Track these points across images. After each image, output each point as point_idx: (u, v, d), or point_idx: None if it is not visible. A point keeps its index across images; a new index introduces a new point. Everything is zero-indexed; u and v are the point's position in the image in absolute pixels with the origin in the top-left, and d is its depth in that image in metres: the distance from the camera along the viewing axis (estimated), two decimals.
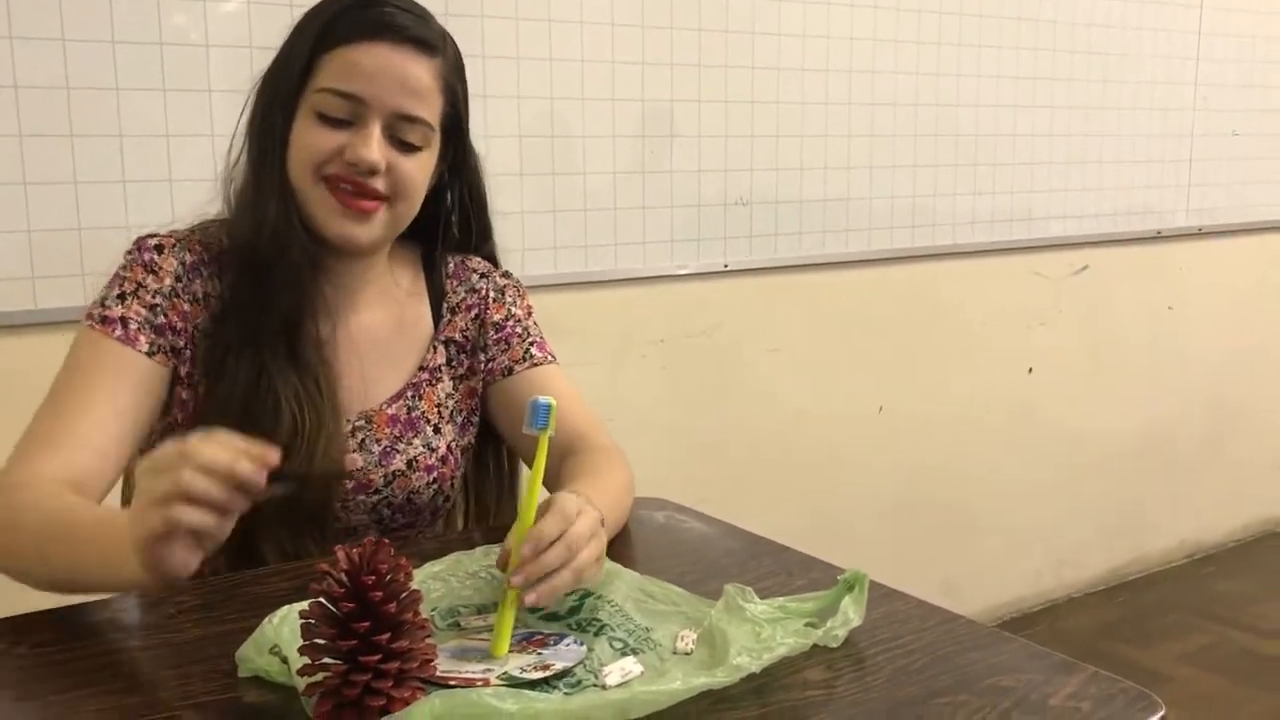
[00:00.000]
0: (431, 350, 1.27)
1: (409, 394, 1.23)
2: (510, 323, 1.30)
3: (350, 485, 1.17)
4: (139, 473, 0.87)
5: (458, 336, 1.29)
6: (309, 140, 1.12)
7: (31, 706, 0.82)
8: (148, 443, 1.18)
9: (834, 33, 2.46)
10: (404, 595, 0.77)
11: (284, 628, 0.83)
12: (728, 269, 2.40)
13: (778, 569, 1.08)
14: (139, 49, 1.70)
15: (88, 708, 0.80)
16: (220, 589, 1.03)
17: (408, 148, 1.15)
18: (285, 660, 0.81)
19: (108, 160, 1.70)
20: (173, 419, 1.15)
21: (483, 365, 1.29)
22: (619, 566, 1.01)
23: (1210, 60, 3.21)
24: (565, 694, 0.81)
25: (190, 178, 1.73)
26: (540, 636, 0.91)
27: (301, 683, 0.77)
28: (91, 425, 1.07)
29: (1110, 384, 3.23)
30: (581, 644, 0.89)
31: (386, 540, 0.78)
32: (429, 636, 0.79)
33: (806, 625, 0.91)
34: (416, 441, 1.22)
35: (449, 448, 1.25)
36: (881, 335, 2.71)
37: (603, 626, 0.93)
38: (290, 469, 1.10)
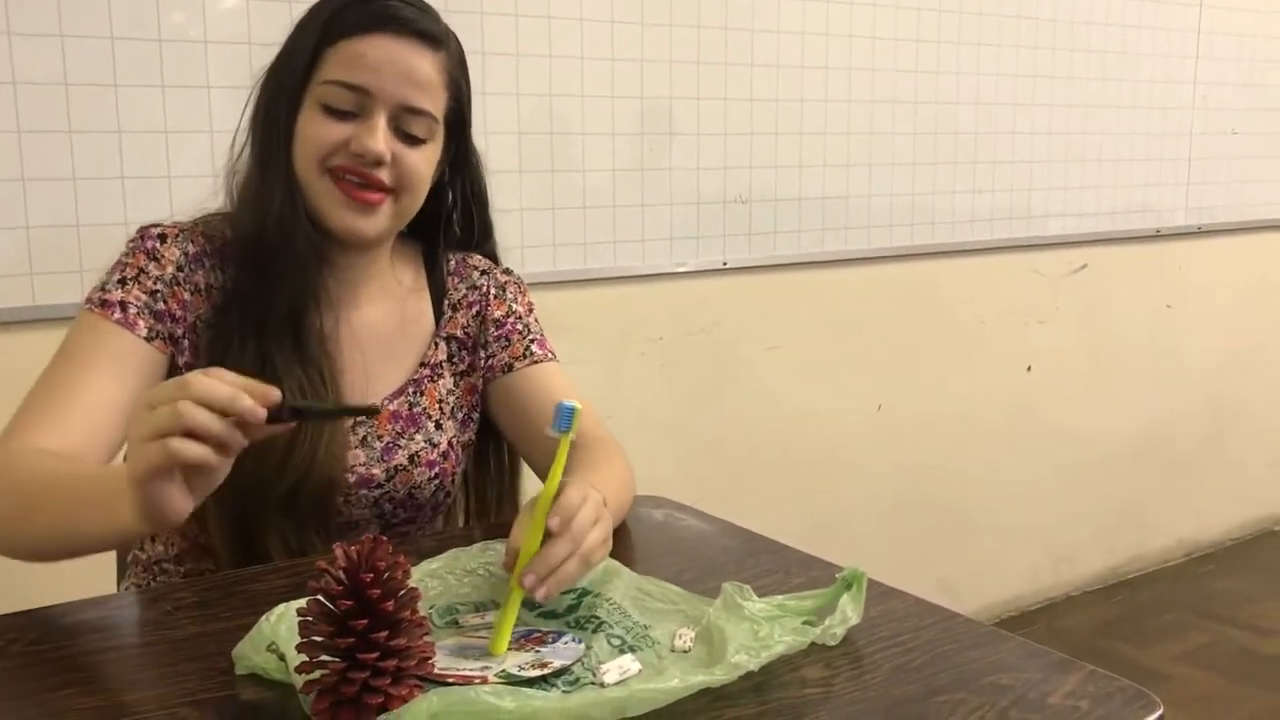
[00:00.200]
0: (433, 347, 1.27)
1: (410, 390, 1.24)
2: (511, 319, 1.30)
3: (352, 480, 1.18)
4: (133, 408, 0.85)
5: (459, 333, 1.29)
6: (314, 132, 1.13)
7: (27, 704, 0.82)
8: None
9: (833, 30, 2.45)
10: (402, 593, 0.77)
11: (281, 625, 0.83)
12: (727, 267, 2.40)
13: (776, 567, 1.08)
14: (138, 45, 1.70)
15: (84, 705, 0.80)
16: (217, 586, 1.03)
17: (412, 140, 1.15)
18: (283, 658, 0.81)
19: (106, 156, 1.69)
20: None
21: (483, 362, 1.29)
22: (618, 564, 1.01)
23: (1209, 59, 3.21)
24: (563, 692, 0.81)
25: (189, 174, 1.73)
26: (538, 634, 0.91)
27: (299, 680, 0.77)
28: (86, 405, 1.07)
29: (1109, 383, 3.23)
30: (580, 642, 0.89)
31: (385, 538, 0.78)
32: (427, 634, 0.79)
33: (805, 623, 0.91)
34: (418, 437, 1.22)
35: (450, 443, 1.25)
36: (880, 333, 2.71)
37: (601, 624, 0.93)
38: (292, 464, 1.11)
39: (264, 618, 0.84)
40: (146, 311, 1.12)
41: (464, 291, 1.30)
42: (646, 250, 2.28)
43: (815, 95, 2.45)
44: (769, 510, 1.88)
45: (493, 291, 1.31)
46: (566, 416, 0.94)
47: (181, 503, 0.85)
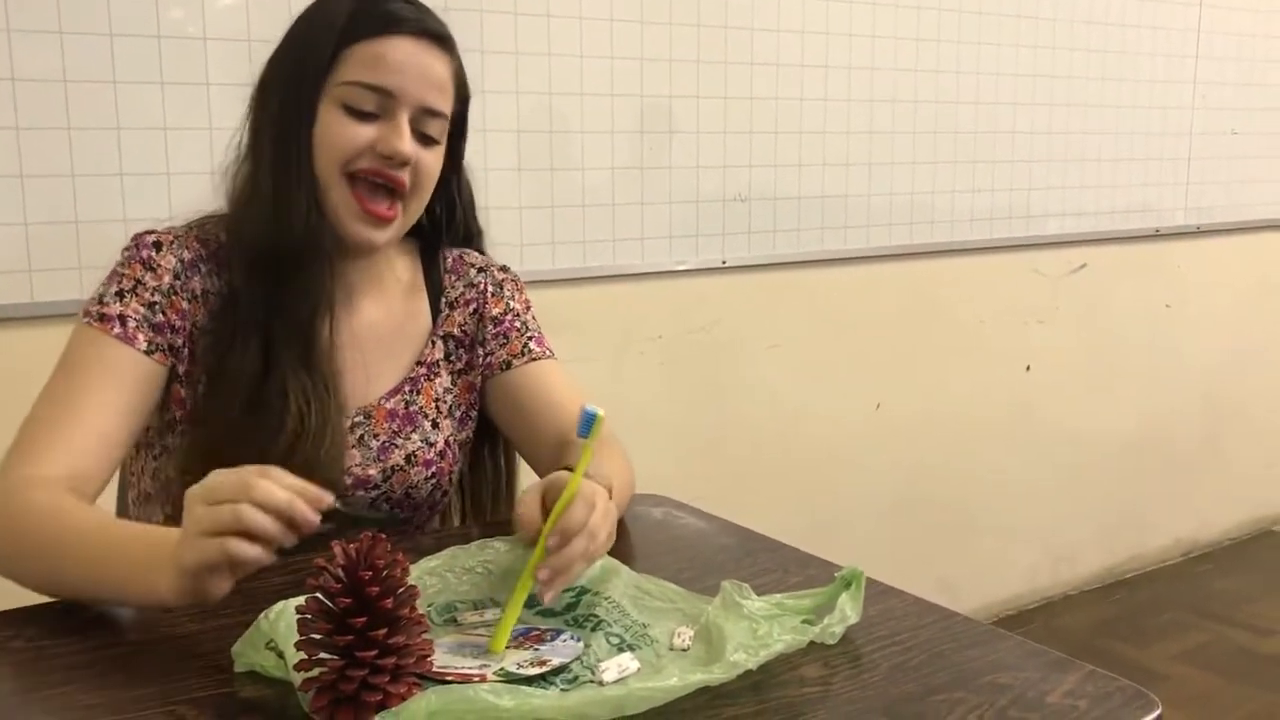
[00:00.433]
0: (429, 345, 1.27)
1: (407, 389, 1.23)
2: (509, 317, 1.30)
3: (349, 481, 1.17)
4: (190, 499, 0.87)
5: (456, 331, 1.28)
6: (339, 133, 1.12)
7: (27, 700, 0.82)
8: (144, 440, 1.18)
9: (833, 29, 2.45)
10: (401, 591, 0.77)
11: (280, 623, 0.83)
12: (726, 265, 2.40)
13: (774, 566, 1.08)
14: (137, 42, 1.70)
15: (84, 702, 0.80)
16: None
17: (428, 141, 1.16)
18: (281, 655, 0.81)
19: (105, 153, 1.69)
20: (171, 417, 1.15)
21: (481, 360, 1.29)
22: (616, 563, 1.01)
23: (1209, 58, 3.21)
24: (562, 690, 0.81)
25: (188, 171, 1.73)
26: (537, 632, 0.91)
27: (298, 678, 0.77)
28: (90, 424, 1.07)
29: (1108, 382, 3.23)
30: (578, 640, 0.89)
31: (383, 535, 0.78)
32: (425, 632, 0.79)
33: (803, 622, 0.91)
34: (415, 436, 1.22)
35: (447, 442, 1.25)
36: (880, 332, 2.71)
37: (600, 623, 0.93)
38: (293, 468, 1.10)
39: (262, 615, 0.84)
40: (145, 324, 1.11)
41: (461, 289, 1.30)
42: (646, 249, 2.28)
43: (815, 94, 2.45)
44: (768, 509, 1.88)
45: (490, 289, 1.31)
46: (588, 422, 0.94)
47: (223, 588, 0.87)
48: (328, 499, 0.87)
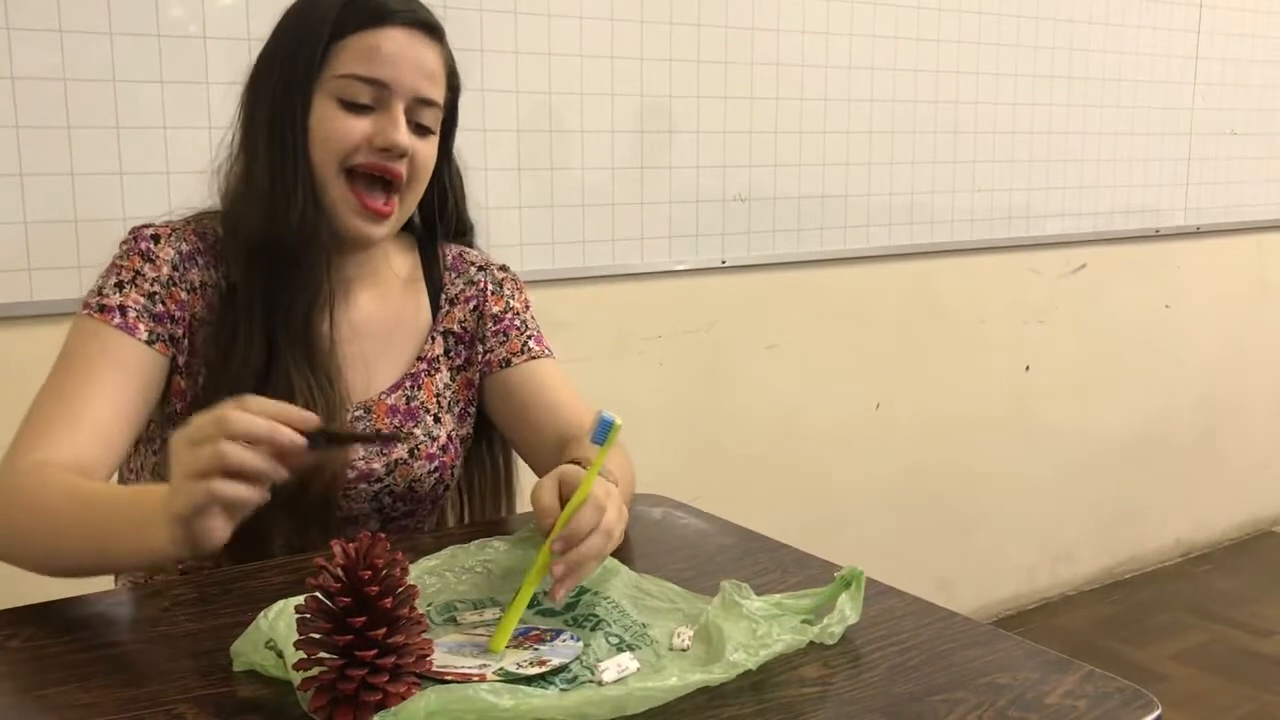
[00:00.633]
0: (429, 341, 1.27)
1: (408, 384, 1.24)
2: (509, 315, 1.30)
3: (353, 475, 1.18)
4: (174, 444, 0.87)
5: (455, 328, 1.29)
6: (335, 127, 1.12)
7: (25, 700, 0.82)
8: (144, 435, 1.18)
9: (833, 29, 2.45)
10: (400, 590, 0.77)
11: (279, 622, 0.83)
12: (725, 265, 2.40)
13: (774, 565, 1.08)
14: (137, 41, 1.70)
15: (82, 701, 0.80)
16: (215, 583, 1.03)
17: (423, 131, 1.16)
18: (280, 655, 0.81)
19: (105, 152, 1.69)
20: (172, 410, 1.15)
21: (481, 357, 1.29)
22: (616, 563, 1.01)
23: (1209, 59, 3.21)
24: (562, 690, 0.81)
25: (188, 170, 1.73)
26: (537, 632, 0.91)
27: (297, 677, 0.77)
28: (93, 414, 1.07)
29: (1107, 382, 3.23)
30: (578, 640, 0.89)
31: (383, 535, 0.78)
32: (425, 631, 0.79)
33: (803, 622, 0.91)
34: (418, 430, 1.22)
35: (449, 437, 1.25)
36: (879, 332, 2.71)
37: (599, 622, 0.93)
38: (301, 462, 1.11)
39: (262, 614, 0.84)
40: (146, 314, 1.11)
41: (461, 287, 1.30)
42: (645, 248, 2.28)
43: (815, 94, 2.45)
44: (767, 508, 1.88)
45: (490, 287, 1.31)
46: (605, 429, 0.93)
47: (221, 533, 0.87)
48: (310, 418, 0.87)
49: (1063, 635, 2.96)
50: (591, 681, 0.82)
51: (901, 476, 2.82)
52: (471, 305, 1.30)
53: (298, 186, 1.12)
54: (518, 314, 1.31)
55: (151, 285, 1.13)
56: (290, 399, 1.11)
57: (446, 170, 1.28)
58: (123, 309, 1.11)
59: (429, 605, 0.95)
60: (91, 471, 1.05)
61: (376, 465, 1.19)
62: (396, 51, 1.12)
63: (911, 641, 0.91)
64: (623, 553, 1.07)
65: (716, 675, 0.81)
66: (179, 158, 1.74)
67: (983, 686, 0.84)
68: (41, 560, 1.00)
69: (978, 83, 2.73)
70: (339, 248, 1.18)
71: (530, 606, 0.95)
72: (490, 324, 1.30)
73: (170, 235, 1.16)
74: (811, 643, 0.89)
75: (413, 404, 1.23)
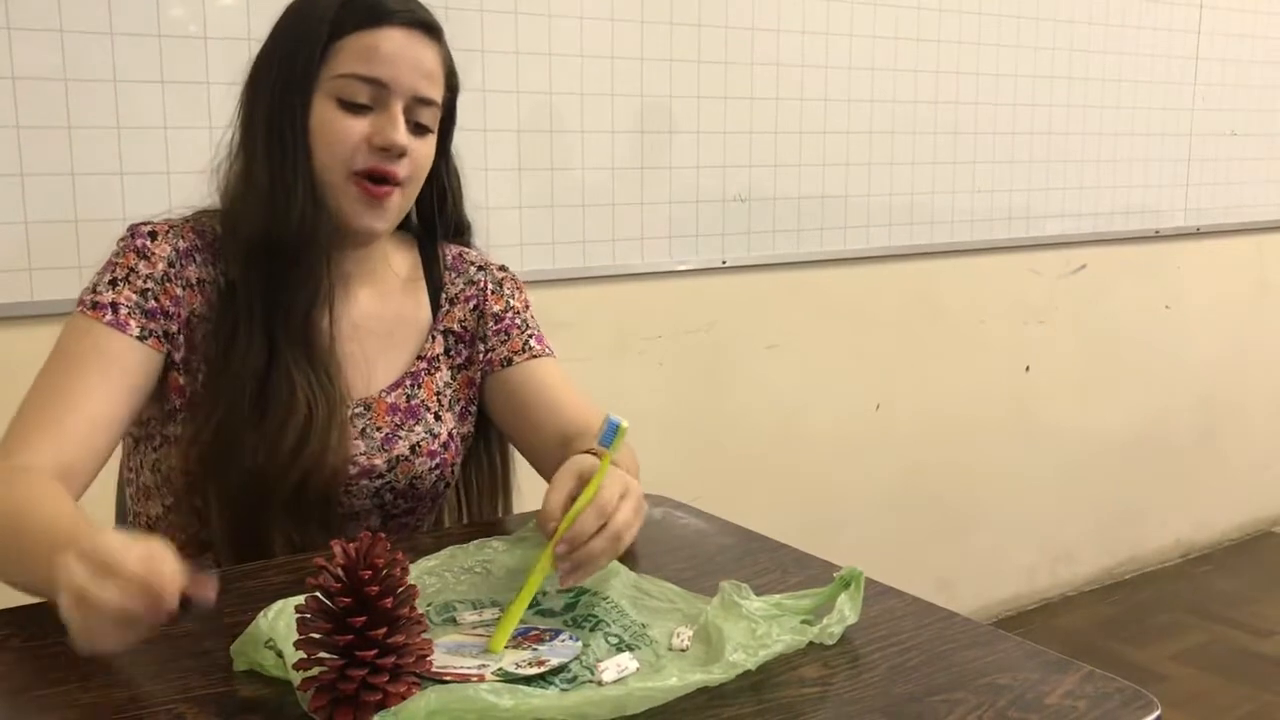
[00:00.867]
0: (430, 340, 1.27)
1: (408, 383, 1.24)
2: (509, 314, 1.31)
3: (354, 471, 1.18)
4: (76, 558, 0.79)
5: (455, 327, 1.29)
6: (336, 129, 1.12)
7: (25, 699, 0.82)
8: (144, 433, 1.18)
9: (834, 29, 2.45)
10: (400, 590, 0.77)
11: (279, 622, 0.83)
12: (726, 265, 2.40)
13: (774, 566, 1.08)
14: (137, 41, 1.70)
15: (82, 700, 0.80)
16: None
17: (421, 130, 1.17)
18: (280, 654, 0.81)
19: (105, 152, 1.69)
20: (171, 406, 1.15)
21: (482, 356, 1.29)
22: (616, 563, 1.00)
23: (1209, 60, 3.21)
24: (561, 690, 0.81)
25: (188, 170, 1.73)
26: (536, 632, 0.91)
27: (297, 677, 0.77)
28: (80, 410, 1.07)
29: (1107, 383, 3.23)
30: (577, 640, 0.89)
31: (383, 535, 0.78)
32: (425, 632, 0.79)
33: (802, 622, 0.91)
34: (418, 428, 1.23)
35: (450, 434, 1.26)
36: (879, 333, 2.71)
37: (599, 623, 0.93)
38: (303, 460, 1.11)
39: (261, 614, 0.84)
40: (138, 311, 1.11)
41: (461, 286, 1.30)
42: (645, 249, 2.28)
43: (815, 94, 2.45)
44: (767, 509, 1.88)
45: (490, 287, 1.31)
46: (611, 432, 0.95)
47: (116, 642, 0.81)
48: (172, 605, 0.79)
49: (1063, 636, 2.96)
50: (591, 681, 0.82)
51: (901, 477, 2.82)
52: (472, 305, 1.30)
53: (297, 186, 1.12)
54: (518, 313, 1.32)
55: (145, 282, 1.13)
56: (293, 398, 1.11)
57: (444, 170, 1.28)
58: (114, 306, 1.11)
59: (428, 605, 0.95)
60: (76, 471, 1.05)
61: (378, 461, 1.20)
62: (395, 51, 1.13)
63: (911, 642, 0.91)
64: (623, 553, 1.07)
65: (716, 675, 0.81)
66: (179, 158, 1.74)
67: (983, 687, 0.84)
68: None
69: (978, 83, 2.73)
70: (339, 245, 1.18)
71: (529, 607, 0.95)
72: (491, 323, 1.30)
73: (168, 232, 1.16)
74: (811, 643, 0.89)
75: (413, 402, 1.24)
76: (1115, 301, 3.19)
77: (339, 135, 1.12)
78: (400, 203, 1.18)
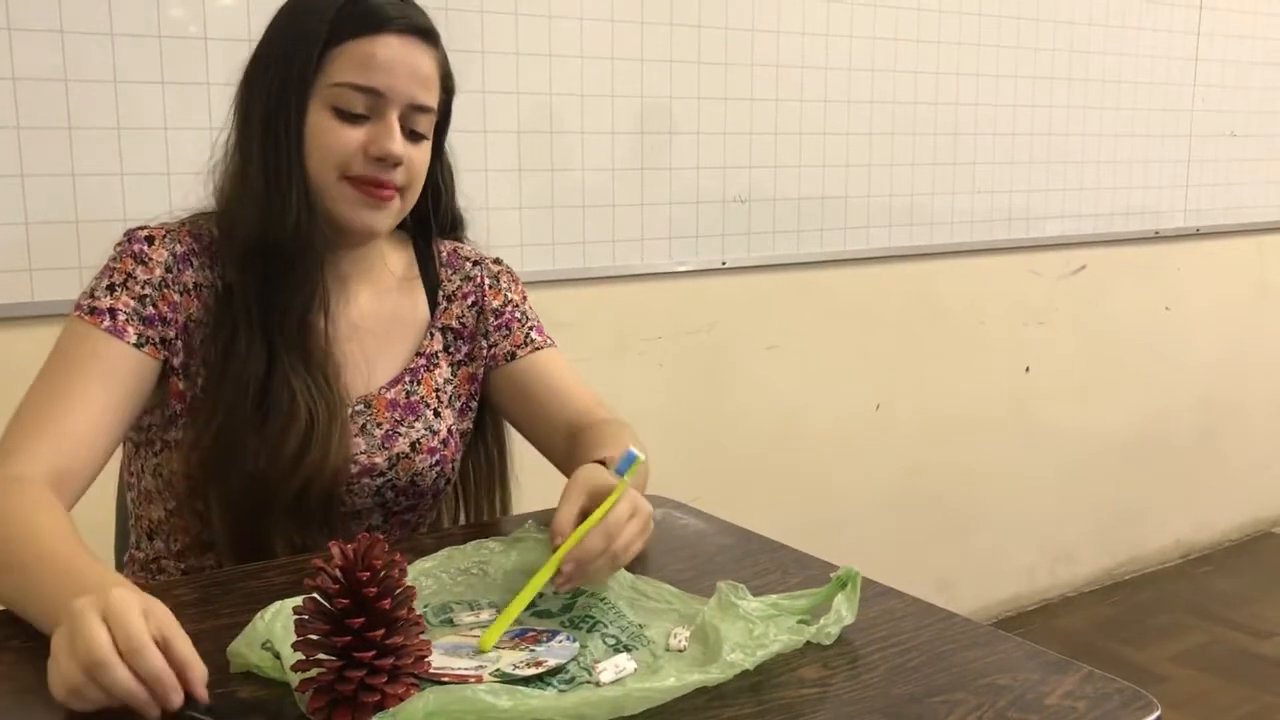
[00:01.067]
0: (428, 337, 1.27)
1: (407, 380, 1.24)
2: (509, 309, 1.32)
3: (355, 470, 1.18)
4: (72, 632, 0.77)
5: (454, 324, 1.29)
6: (332, 139, 1.12)
7: (25, 701, 0.82)
8: (144, 438, 1.18)
9: (833, 30, 2.45)
10: (398, 591, 0.77)
11: (276, 623, 0.83)
12: (725, 266, 2.40)
13: (773, 566, 1.08)
14: (137, 41, 1.70)
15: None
16: (216, 583, 1.03)
17: (416, 137, 1.16)
18: (278, 656, 0.81)
19: (106, 153, 1.69)
20: (172, 412, 1.15)
21: (485, 351, 1.30)
22: None
23: (1208, 61, 3.21)
24: (559, 690, 0.81)
25: (188, 171, 1.72)
26: (533, 633, 0.91)
27: (295, 678, 0.77)
28: (77, 416, 1.07)
29: (1107, 384, 3.23)
30: (575, 641, 0.89)
31: (381, 536, 0.78)
32: (423, 633, 0.79)
33: (800, 622, 0.91)
34: (418, 425, 1.23)
35: (450, 431, 1.26)
36: (879, 333, 2.71)
37: (596, 623, 0.93)
38: (307, 463, 1.11)
39: (259, 615, 0.84)
40: (135, 318, 1.11)
41: (458, 283, 1.31)
42: (645, 249, 2.28)
43: (815, 95, 2.45)
44: (767, 509, 1.88)
45: (487, 282, 1.32)
46: (628, 462, 1.02)
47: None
48: (176, 700, 0.77)
49: (1062, 636, 2.96)
50: (589, 682, 0.82)
51: (901, 477, 2.82)
52: (470, 301, 1.30)
53: (292, 192, 1.12)
54: (517, 306, 1.32)
55: (143, 288, 1.12)
56: (295, 405, 1.11)
57: (439, 169, 1.28)
58: (112, 312, 1.11)
59: (425, 607, 0.95)
60: (72, 477, 1.05)
61: (379, 459, 1.20)
62: (392, 59, 1.12)
63: (911, 642, 0.91)
64: None
65: (714, 675, 0.81)
66: (180, 158, 1.74)
67: (982, 687, 0.84)
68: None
69: (978, 84, 2.73)
70: (335, 246, 1.18)
71: (527, 608, 0.95)
72: (491, 319, 1.30)
73: (164, 237, 1.15)
74: (810, 644, 0.89)
75: (412, 399, 1.24)
76: (1115, 302, 3.19)
77: (335, 144, 1.12)
78: (400, 206, 1.18)
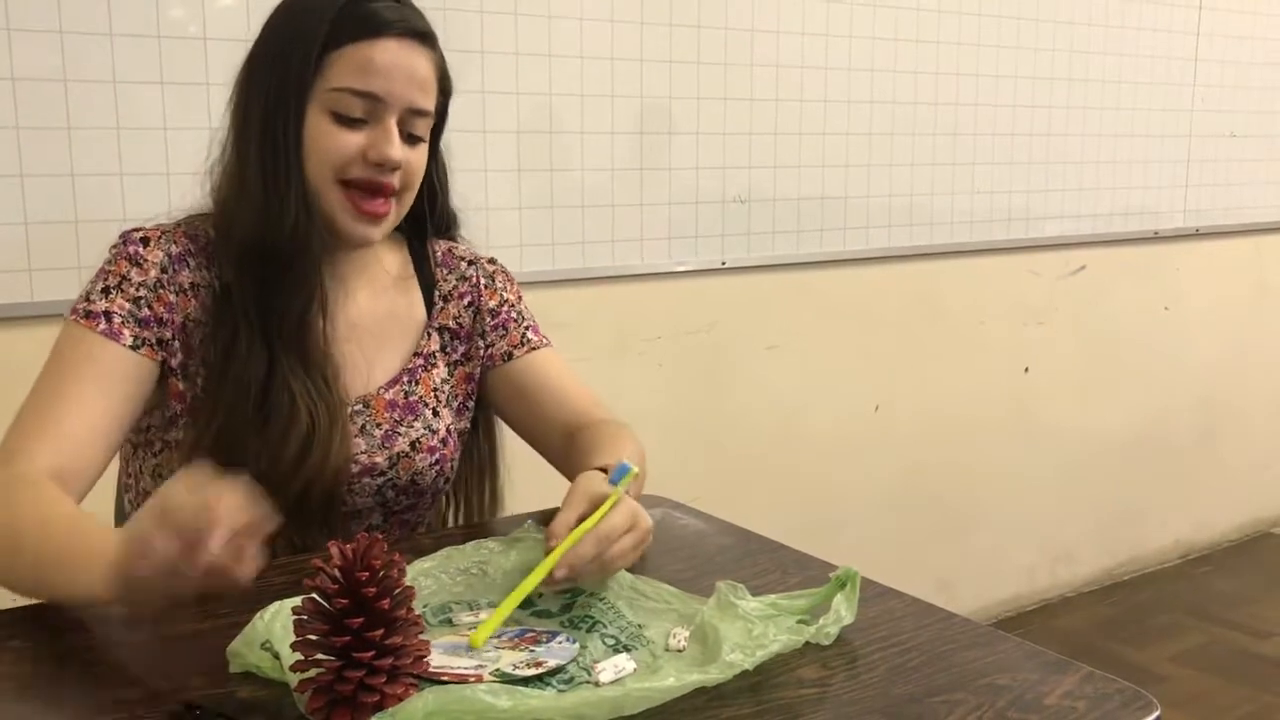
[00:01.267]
0: (426, 337, 1.28)
1: (405, 379, 1.24)
2: (505, 308, 1.32)
3: (356, 469, 1.18)
4: (156, 510, 0.83)
5: (451, 324, 1.30)
6: (330, 143, 1.12)
7: (24, 699, 0.82)
8: (143, 439, 1.18)
9: (833, 31, 2.45)
10: (397, 591, 0.77)
11: (275, 623, 0.83)
12: (725, 266, 2.40)
13: (773, 566, 1.08)
14: (137, 42, 1.70)
15: (80, 701, 0.80)
16: None
17: (414, 140, 1.16)
18: (277, 656, 0.81)
19: (105, 153, 1.69)
20: (172, 413, 1.15)
21: (482, 351, 1.30)
22: None
23: (1208, 61, 3.21)
24: (559, 691, 0.81)
25: (188, 171, 1.71)
26: (533, 634, 0.91)
27: (294, 678, 0.77)
28: (75, 423, 1.07)
29: (1106, 384, 3.23)
30: (574, 641, 0.89)
31: (380, 536, 0.78)
32: (422, 633, 0.79)
33: (799, 622, 0.91)
34: (417, 424, 1.23)
35: (448, 430, 1.26)
36: (879, 334, 2.71)
37: (595, 624, 0.93)
38: (308, 466, 1.11)
39: (258, 615, 0.84)
40: (131, 320, 1.11)
41: (454, 283, 1.31)
42: (645, 249, 2.28)
43: (814, 95, 2.45)
44: (767, 509, 1.88)
45: (483, 282, 1.32)
46: (620, 474, 1.03)
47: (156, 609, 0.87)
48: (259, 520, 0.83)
49: (1062, 636, 2.96)
50: (588, 682, 0.82)
51: (901, 477, 2.82)
52: (466, 301, 1.31)
53: (290, 195, 1.12)
54: (513, 306, 1.33)
55: (138, 290, 1.12)
56: (295, 408, 1.11)
57: (434, 168, 1.27)
58: (108, 315, 1.10)
59: (424, 607, 0.95)
60: (73, 480, 1.05)
61: (379, 459, 1.20)
62: (390, 63, 1.12)
63: (911, 642, 0.91)
64: None
65: (713, 675, 0.81)
66: (179, 159, 1.74)
67: (982, 688, 0.84)
68: (3, 579, 0.99)
69: (977, 85, 2.73)
70: (333, 248, 1.18)
71: (526, 608, 0.95)
72: (487, 319, 1.31)
73: (160, 238, 1.15)
74: (809, 644, 0.89)
75: (411, 398, 1.24)
76: (1114, 303, 3.19)
77: (333, 149, 1.12)
78: (396, 211, 1.18)
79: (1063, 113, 2.91)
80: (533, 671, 0.83)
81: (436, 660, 0.83)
